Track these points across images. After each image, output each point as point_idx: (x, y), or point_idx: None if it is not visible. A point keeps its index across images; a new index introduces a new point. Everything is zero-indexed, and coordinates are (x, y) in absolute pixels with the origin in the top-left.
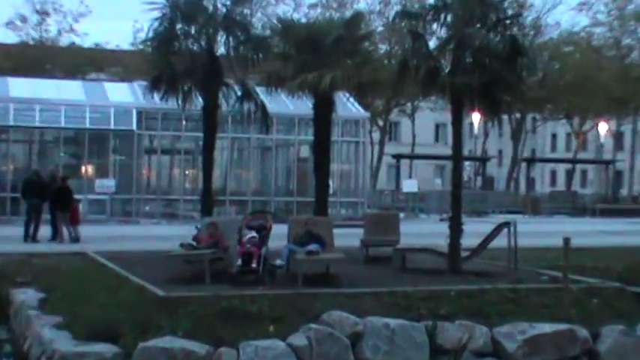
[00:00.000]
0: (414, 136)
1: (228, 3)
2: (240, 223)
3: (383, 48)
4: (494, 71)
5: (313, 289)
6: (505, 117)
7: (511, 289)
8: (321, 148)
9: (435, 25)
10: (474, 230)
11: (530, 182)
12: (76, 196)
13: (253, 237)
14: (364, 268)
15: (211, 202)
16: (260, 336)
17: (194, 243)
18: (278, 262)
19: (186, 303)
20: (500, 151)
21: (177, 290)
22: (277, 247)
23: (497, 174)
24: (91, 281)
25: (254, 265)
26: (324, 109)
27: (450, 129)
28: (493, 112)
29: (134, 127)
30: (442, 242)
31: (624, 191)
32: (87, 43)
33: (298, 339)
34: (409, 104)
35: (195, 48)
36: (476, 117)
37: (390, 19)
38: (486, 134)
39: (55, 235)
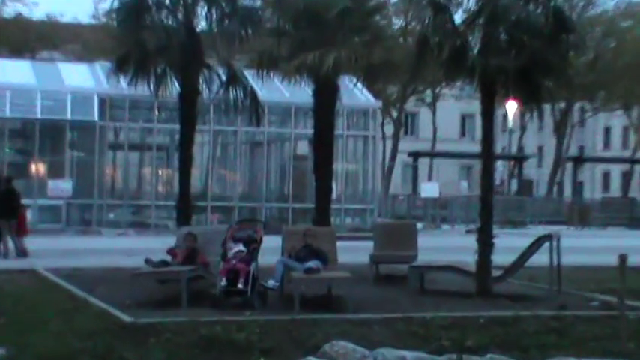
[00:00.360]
0: (435, 130)
1: None
2: (224, 235)
3: (398, 23)
4: (534, 51)
5: (312, 315)
6: (547, 107)
7: (554, 316)
8: (323, 143)
9: None
10: (508, 245)
11: (578, 187)
12: (24, 201)
13: (240, 251)
14: (374, 289)
15: (189, 208)
16: None
17: (168, 258)
18: (270, 281)
19: (158, 330)
20: (540, 149)
21: (148, 315)
22: (269, 263)
23: (537, 176)
24: (43, 304)
25: (241, 285)
26: (326, 97)
27: (478, 121)
28: (532, 100)
29: (95, 117)
30: (469, 259)
31: None
32: (37, 14)
33: None
34: (429, 91)
35: (170, 22)
36: (511, 107)
37: None
38: (523, 128)
39: None
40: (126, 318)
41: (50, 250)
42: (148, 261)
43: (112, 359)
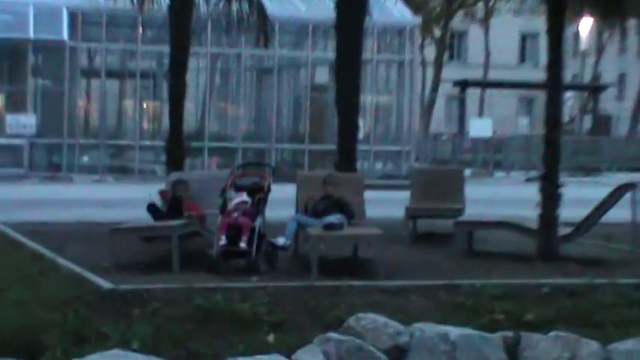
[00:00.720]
0: (487, 54)
1: None
2: (224, 182)
3: None
4: None
5: (334, 281)
6: (631, 23)
7: (636, 285)
8: (347, 70)
9: None
10: (579, 196)
11: None
12: None
13: (243, 202)
14: (411, 250)
15: (181, 150)
16: (254, 349)
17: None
18: (280, 239)
19: (144, 300)
20: (621, 77)
21: (131, 281)
22: (279, 218)
23: (617, 111)
24: (1, 267)
25: (243, 244)
26: (351, 12)
27: (543, 42)
28: (612, 15)
29: (64, 36)
30: (529, 213)
31: None
32: None
33: (311, 355)
34: (481, 5)
35: None
36: (585, 24)
37: None
38: (600, 50)
39: None
40: (104, 284)
41: (10, 201)
42: (162, 192)
43: (86, 334)
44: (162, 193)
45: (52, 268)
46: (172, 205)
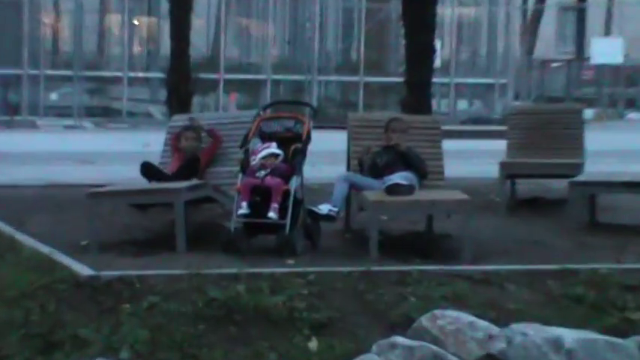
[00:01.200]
0: None
1: None
2: (246, 129)
3: None
4: None
5: (400, 265)
6: None
7: None
8: None
9: None
10: None
11: None
12: None
13: (273, 155)
14: (508, 222)
15: (187, 84)
16: (290, 359)
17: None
18: (325, 207)
19: (136, 291)
20: None
21: (119, 265)
22: (324, 177)
23: None
24: None
25: (273, 214)
26: None
27: None
28: None
29: None
30: None
31: None
32: None
33: None
34: None
35: None
36: None
37: None
38: None
39: None
40: (81, 269)
41: None
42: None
43: (57, 338)
44: (171, 137)
45: (9, 247)
46: (186, 166)
